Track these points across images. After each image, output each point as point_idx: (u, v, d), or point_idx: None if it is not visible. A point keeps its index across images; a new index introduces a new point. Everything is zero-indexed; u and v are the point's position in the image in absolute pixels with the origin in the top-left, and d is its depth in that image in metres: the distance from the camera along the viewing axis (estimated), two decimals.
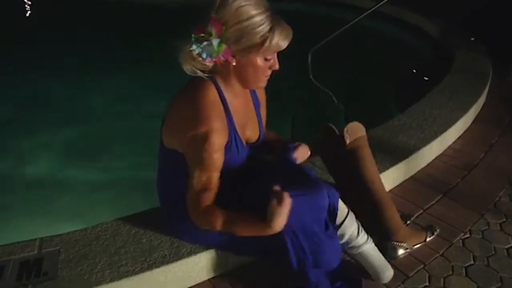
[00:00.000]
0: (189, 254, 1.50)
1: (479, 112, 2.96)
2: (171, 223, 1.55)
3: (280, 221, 1.22)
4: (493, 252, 1.71)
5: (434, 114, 2.61)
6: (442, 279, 1.57)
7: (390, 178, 2.07)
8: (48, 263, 1.45)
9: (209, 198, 1.30)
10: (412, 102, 2.82)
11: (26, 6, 7.72)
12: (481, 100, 2.99)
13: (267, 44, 1.20)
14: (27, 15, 7.56)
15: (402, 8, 5.48)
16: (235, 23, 1.17)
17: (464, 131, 2.71)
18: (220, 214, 1.29)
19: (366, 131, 1.73)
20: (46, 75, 4.58)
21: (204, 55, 1.19)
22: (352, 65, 4.45)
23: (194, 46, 1.18)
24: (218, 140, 1.24)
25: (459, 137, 2.63)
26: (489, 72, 3.38)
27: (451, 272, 1.61)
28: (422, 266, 1.63)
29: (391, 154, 2.15)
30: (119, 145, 3.34)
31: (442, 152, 2.46)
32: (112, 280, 1.38)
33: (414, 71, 3.96)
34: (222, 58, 1.21)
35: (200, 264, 1.53)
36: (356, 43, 4.79)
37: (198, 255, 1.51)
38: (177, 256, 1.49)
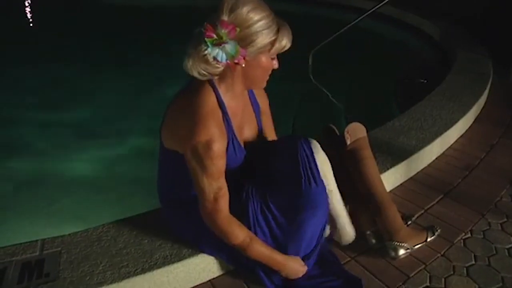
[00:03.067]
0: (191, 255, 1.50)
1: (479, 113, 2.96)
2: (172, 223, 1.55)
3: (292, 276, 1.45)
4: (494, 252, 1.71)
5: (435, 115, 2.61)
6: (443, 279, 1.57)
7: (391, 179, 2.08)
8: (50, 265, 1.45)
9: (226, 204, 1.33)
10: (413, 103, 2.82)
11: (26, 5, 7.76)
12: (482, 100, 2.99)
13: (277, 44, 1.26)
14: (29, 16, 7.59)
15: (403, 9, 5.49)
16: (248, 25, 1.19)
17: (465, 132, 2.71)
18: (244, 227, 1.37)
19: (367, 131, 1.73)
20: (44, 75, 4.60)
21: (220, 58, 1.19)
22: (353, 66, 4.45)
23: (209, 50, 1.18)
24: (219, 147, 1.26)
25: (459, 138, 2.63)
26: (490, 73, 3.38)
27: (452, 272, 1.60)
28: (423, 266, 1.63)
29: (392, 155, 2.16)
30: (119, 145, 3.34)
31: (443, 153, 2.46)
32: (113, 281, 1.38)
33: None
34: (236, 60, 1.21)
35: (202, 265, 1.53)
36: (357, 45, 4.80)
37: (200, 256, 1.51)
38: (178, 257, 1.49)
